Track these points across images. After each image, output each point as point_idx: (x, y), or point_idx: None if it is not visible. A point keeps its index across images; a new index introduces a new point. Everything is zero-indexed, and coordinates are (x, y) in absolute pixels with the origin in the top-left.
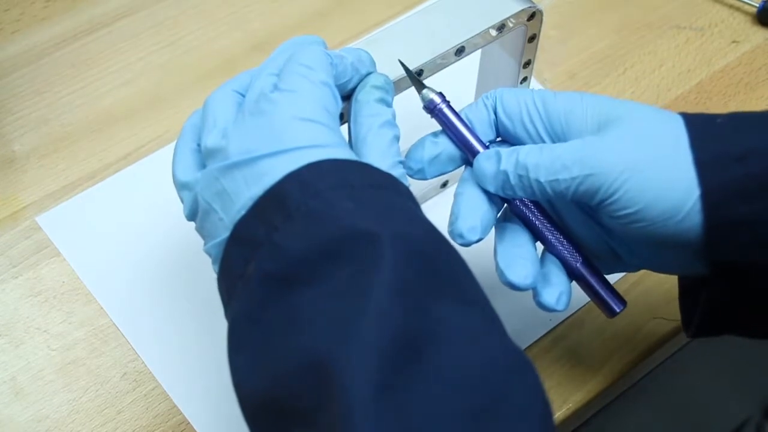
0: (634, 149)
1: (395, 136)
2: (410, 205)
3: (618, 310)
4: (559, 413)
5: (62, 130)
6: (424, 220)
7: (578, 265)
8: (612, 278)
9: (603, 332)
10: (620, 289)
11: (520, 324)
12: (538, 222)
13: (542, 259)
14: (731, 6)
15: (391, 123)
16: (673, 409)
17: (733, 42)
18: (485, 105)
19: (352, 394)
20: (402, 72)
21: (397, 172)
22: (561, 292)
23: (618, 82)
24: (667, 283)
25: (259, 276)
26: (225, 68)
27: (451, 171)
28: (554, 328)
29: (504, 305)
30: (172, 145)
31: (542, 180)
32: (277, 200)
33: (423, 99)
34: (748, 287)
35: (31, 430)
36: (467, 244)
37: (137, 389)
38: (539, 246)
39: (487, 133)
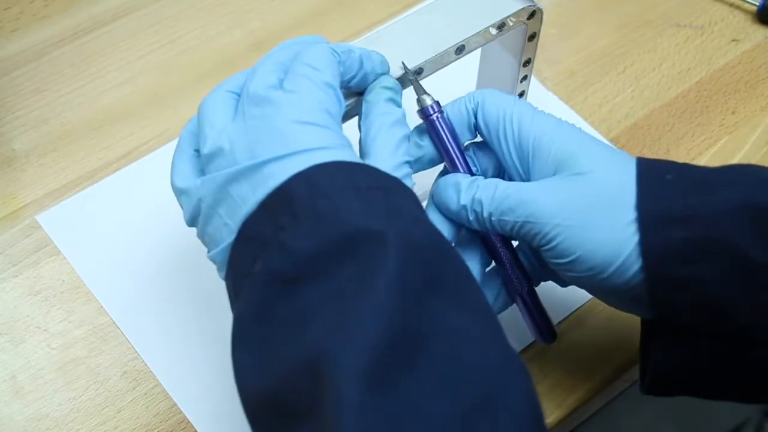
0: (572, 204)
1: (405, 135)
2: (415, 207)
3: (540, 343)
4: (557, 412)
5: (62, 129)
6: (428, 223)
7: (521, 293)
8: None
9: (602, 332)
10: None
11: (521, 322)
12: (498, 242)
13: (489, 274)
14: (731, 4)
15: (401, 122)
16: (672, 409)
17: (733, 40)
18: (466, 108)
19: (344, 391)
20: (402, 70)
21: (404, 171)
22: None
23: (618, 80)
24: None
25: (266, 275)
26: (224, 67)
27: (429, 168)
28: (555, 326)
29: None
30: (172, 143)
31: (492, 218)
32: (284, 200)
33: (420, 103)
34: (694, 349)
35: (31, 428)
36: None
37: (137, 388)
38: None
39: (465, 134)
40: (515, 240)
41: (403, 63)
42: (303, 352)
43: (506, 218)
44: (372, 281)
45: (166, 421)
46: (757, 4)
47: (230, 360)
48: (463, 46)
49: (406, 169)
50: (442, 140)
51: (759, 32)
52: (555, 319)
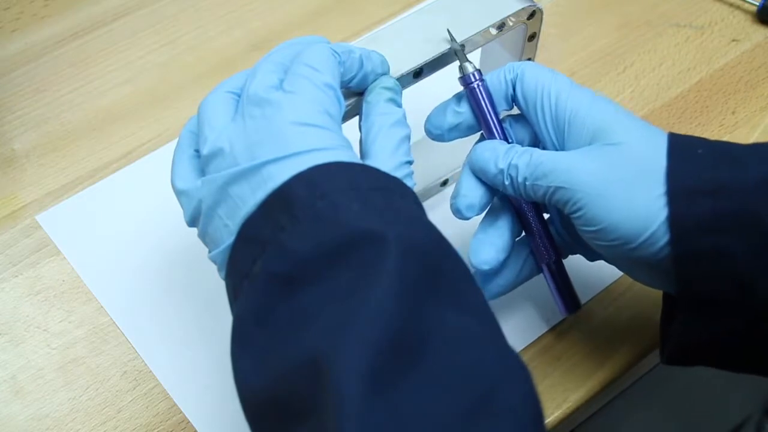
0: (604, 173)
1: (406, 135)
2: (415, 208)
3: (564, 313)
4: (559, 411)
5: (62, 129)
6: (429, 224)
7: (548, 262)
8: (620, 273)
9: (603, 331)
10: (621, 288)
11: (522, 322)
12: (528, 210)
13: (518, 243)
14: (731, 4)
15: (402, 122)
16: (673, 407)
17: (733, 40)
18: (505, 79)
19: (345, 392)
20: (402, 70)
21: (404, 171)
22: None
23: (618, 80)
24: None
25: (265, 276)
26: (224, 67)
27: (467, 136)
28: (555, 326)
29: (506, 303)
30: (172, 143)
31: (527, 183)
32: (284, 201)
33: (462, 70)
34: (718, 321)
35: (31, 428)
36: (465, 219)
37: (137, 388)
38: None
39: (502, 104)
40: (547, 207)
41: (448, 30)
42: (303, 352)
43: (540, 183)
44: (372, 282)
45: (165, 421)
46: (757, 4)
47: (230, 360)
48: (463, 45)
49: (407, 170)
50: (481, 108)
51: (759, 32)
52: (555, 319)
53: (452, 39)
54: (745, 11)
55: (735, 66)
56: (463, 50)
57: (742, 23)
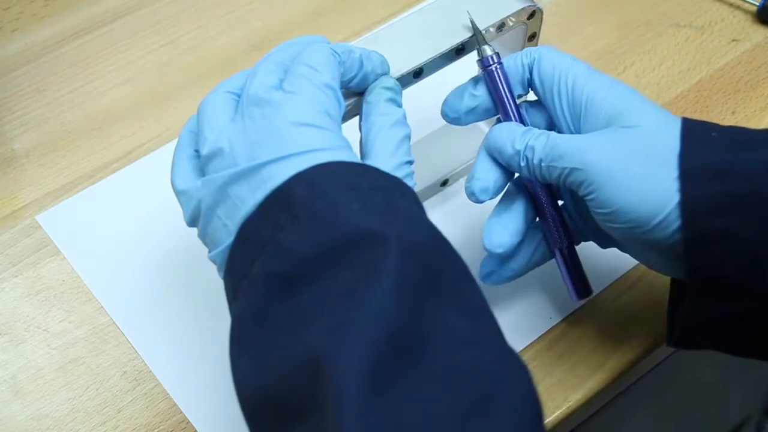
0: (619, 155)
1: (406, 135)
2: (415, 208)
3: (575, 299)
4: (559, 412)
5: (62, 129)
6: (429, 223)
7: (561, 248)
8: (621, 271)
9: (604, 331)
10: (625, 285)
11: (522, 322)
12: (542, 195)
13: (531, 228)
14: (731, 4)
15: (402, 122)
16: (673, 407)
17: (733, 40)
18: (522, 63)
19: (344, 391)
20: (402, 70)
21: (405, 171)
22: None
23: None
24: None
25: (264, 276)
26: (224, 67)
27: (484, 120)
28: (556, 325)
29: (507, 303)
30: (172, 143)
31: (543, 165)
32: (283, 201)
33: (481, 53)
34: (726, 304)
35: (31, 428)
36: (479, 202)
37: (137, 388)
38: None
39: (518, 89)
40: (561, 191)
41: (468, 12)
42: (302, 352)
43: (555, 165)
44: (372, 282)
45: (166, 421)
46: (757, 4)
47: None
48: (463, 46)
49: (407, 170)
50: (499, 91)
51: (759, 32)
52: (555, 317)
53: (473, 23)
54: (745, 11)
55: (735, 66)
56: (481, 33)
57: (742, 23)
